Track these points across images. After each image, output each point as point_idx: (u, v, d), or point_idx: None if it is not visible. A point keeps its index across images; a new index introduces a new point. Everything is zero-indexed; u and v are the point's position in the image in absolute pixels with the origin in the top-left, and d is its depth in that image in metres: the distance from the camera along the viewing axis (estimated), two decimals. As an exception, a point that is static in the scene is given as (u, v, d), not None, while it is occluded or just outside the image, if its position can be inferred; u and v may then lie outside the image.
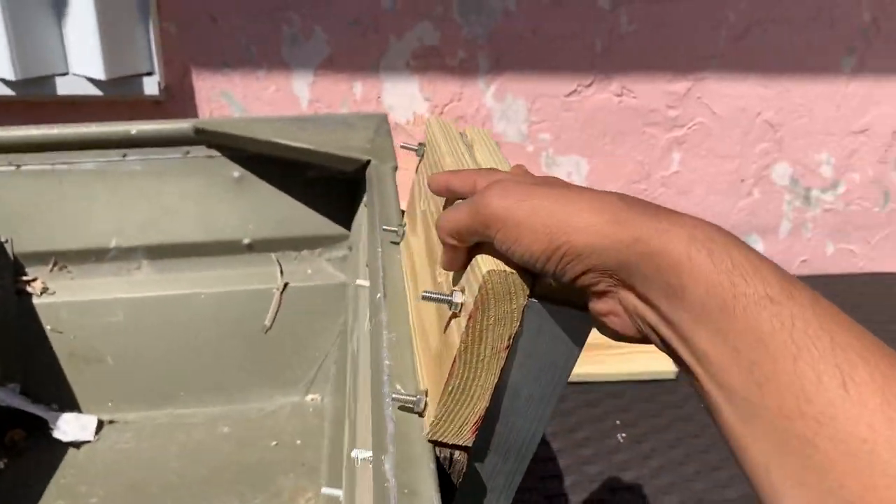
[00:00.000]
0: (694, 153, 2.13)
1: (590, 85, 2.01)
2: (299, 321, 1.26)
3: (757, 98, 2.08)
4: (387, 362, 0.58)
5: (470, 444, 0.51)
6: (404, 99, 1.98)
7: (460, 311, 0.47)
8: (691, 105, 2.07)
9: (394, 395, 0.53)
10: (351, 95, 1.94)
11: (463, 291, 0.47)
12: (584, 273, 0.39)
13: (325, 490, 0.83)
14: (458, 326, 0.47)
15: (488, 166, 0.62)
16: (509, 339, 0.46)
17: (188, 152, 1.21)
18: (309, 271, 1.27)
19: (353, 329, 1.00)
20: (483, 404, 0.49)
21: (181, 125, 1.19)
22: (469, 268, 0.47)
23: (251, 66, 1.88)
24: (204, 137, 1.20)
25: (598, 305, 0.42)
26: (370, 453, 0.55)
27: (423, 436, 0.50)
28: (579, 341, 0.48)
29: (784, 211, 2.25)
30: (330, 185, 1.24)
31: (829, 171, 2.21)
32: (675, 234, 0.35)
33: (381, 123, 1.19)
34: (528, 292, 0.44)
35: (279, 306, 1.25)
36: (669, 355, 0.38)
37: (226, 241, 1.24)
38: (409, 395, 0.52)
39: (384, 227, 0.79)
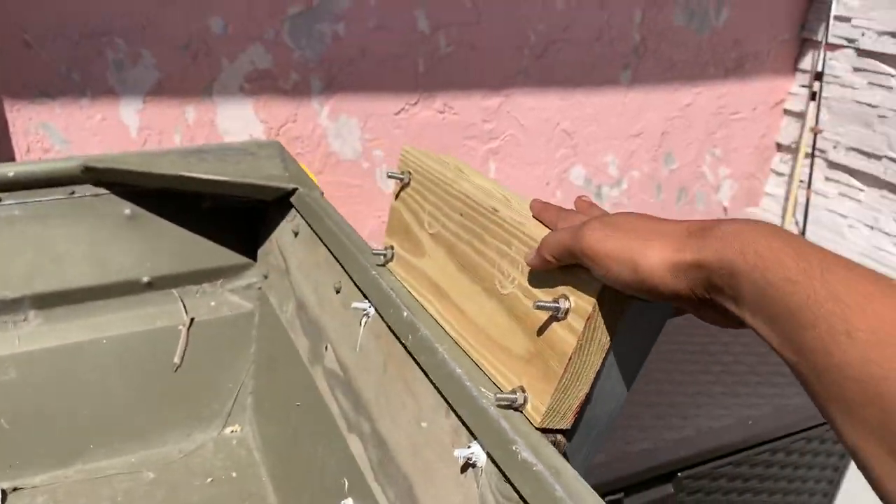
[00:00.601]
0: (507, 162, 2.35)
1: (416, 103, 2.14)
2: (209, 355, 1.24)
3: (556, 110, 2.35)
4: (458, 370, 0.66)
5: (570, 427, 0.61)
6: (239, 122, 1.97)
7: (566, 315, 0.57)
8: (504, 118, 2.28)
9: (498, 396, 0.61)
10: (183, 121, 1.89)
11: (566, 298, 0.57)
12: (673, 292, 0.49)
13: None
14: (566, 328, 0.57)
15: (484, 187, 0.72)
16: (613, 333, 0.57)
17: (73, 192, 1.15)
18: (213, 304, 1.26)
19: (317, 353, 1.03)
20: (585, 390, 0.59)
21: (66, 164, 1.13)
22: (571, 275, 0.57)
23: (73, 94, 1.77)
24: (91, 175, 1.14)
25: (693, 312, 0.53)
26: (471, 451, 0.62)
27: (536, 425, 0.59)
28: (659, 328, 0.60)
29: (582, 207, 2.55)
30: (226, 216, 1.24)
31: (614, 170, 2.55)
32: (722, 251, 0.43)
33: (281, 151, 1.22)
34: (629, 296, 0.55)
35: (187, 343, 1.23)
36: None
37: (123, 282, 1.19)
38: (511, 395, 0.61)
39: (374, 251, 0.85)
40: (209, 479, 1.16)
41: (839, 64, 2.52)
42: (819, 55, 2.55)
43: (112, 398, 1.18)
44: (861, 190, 2.46)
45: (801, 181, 2.56)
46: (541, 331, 0.60)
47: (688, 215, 2.76)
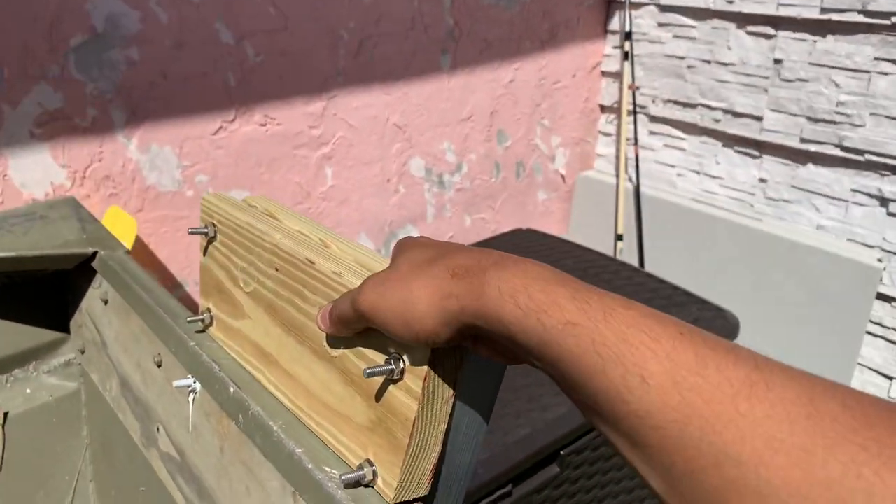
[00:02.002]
0: (342, 165, 2.27)
1: (233, 120, 2.02)
2: (34, 449, 1.10)
3: (383, 105, 2.29)
4: (298, 450, 0.58)
5: (427, 493, 0.55)
6: (36, 172, 1.77)
7: (401, 375, 0.51)
8: (330, 122, 2.19)
9: (343, 476, 0.54)
10: (-32, 180, 1.67)
11: (399, 358, 0.51)
12: (448, 340, 0.46)
13: None
14: (404, 390, 0.51)
15: (301, 231, 0.65)
16: (455, 387, 0.51)
17: None
18: (28, 391, 1.11)
19: (149, 435, 0.92)
20: (437, 452, 0.54)
21: None
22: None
23: None
24: None
25: (478, 352, 0.49)
26: (324, 540, 0.55)
27: (390, 502, 0.53)
28: (502, 367, 0.55)
29: (426, 198, 2.52)
30: (26, 290, 1.09)
31: (452, 156, 2.53)
32: (488, 295, 0.40)
33: (76, 209, 1.08)
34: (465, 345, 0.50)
35: (4, 443, 1.07)
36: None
37: None
38: (358, 473, 0.54)
39: (189, 318, 0.76)
40: (56, 592, 1.02)
41: (644, 21, 2.61)
42: (625, 15, 2.63)
43: (-79, 526, 1.01)
44: (683, 139, 2.57)
45: (628, 138, 2.64)
46: (378, 395, 0.54)
47: (528, 188, 2.80)
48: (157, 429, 0.85)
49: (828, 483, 0.27)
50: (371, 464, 0.55)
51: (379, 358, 0.53)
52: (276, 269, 0.65)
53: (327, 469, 0.57)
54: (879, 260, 2.13)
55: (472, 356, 0.51)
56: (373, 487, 0.55)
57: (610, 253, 2.54)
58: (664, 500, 0.34)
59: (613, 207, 2.68)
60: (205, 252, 0.76)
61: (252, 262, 0.68)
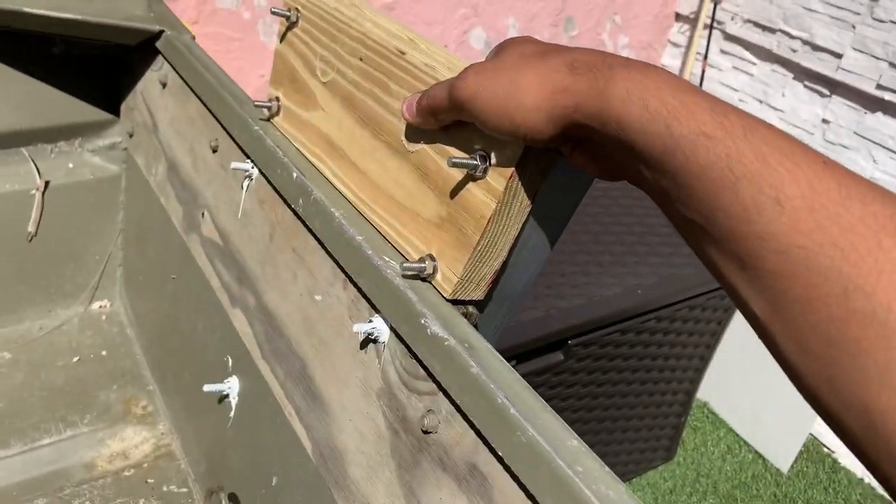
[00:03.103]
0: (404, 20, 2.20)
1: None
2: (69, 224, 1.11)
3: (456, -35, 2.20)
4: (358, 237, 0.58)
5: (482, 298, 0.54)
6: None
7: (484, 174, 0.49)
8: (400, -29, 2.11)
9: (404, 265, 0.53)
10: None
11: (486, 155, 0.49)
12: (549, 139, 0.44)
13: (209, 387, 0.78)
14: (484, 188, 0.50)
15: (389, 31, 0.62)
16: (535, 195, 0.50)
17: None
18: (71, 166, 1.10)
19: (192, 220, 0.92)
20: (502, 259, 0.53)
21: None
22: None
23: None
24: None
25: (573, 159, 0.47)
26: (372, 325, 0.55)
27: (446, 297, 0.53)
28: (584, 188, 0.54)
29: (479, 74, 2.45)
30: (82, 64, 1.07)
31: (514, 33, 2.44)
32: (612, 94, 0.38)
33: (145, -12, 1.04)
34: (556, 151, 0.48)
35: (42, 209, 1.08)
36: (647, 193, 0.42)
37: (-42, 137, 1.02)
38: (419, 264, 0.53)
39: (256, 102, 0.74)
40: (76, 359, 1.05)
41: (742, -69, 2.46)
42: (724, -80, 2.48)
43: (-46, 271, 1.03)
44: (753, 63, 2.47)
45: (699, 53, 2.54)
46: (454, 192, 0.52)
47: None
48: (203, 214, 0.84)
49: None
50: (433, 259, 0.54)
51: (462, 154, 0.51)
52: (361, 59, 0.62)
53: (386, 258, 0.56)
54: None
55: (562, 166, 0.49)
56: (430, 283, 0.54)
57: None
58: (765, 325, 0.33)
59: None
60: (282, 38, 0.73)
61: (334, 51, 0.66)
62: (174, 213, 0.92)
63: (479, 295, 0.54)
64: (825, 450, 2.18)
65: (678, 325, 1.85)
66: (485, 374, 0.46)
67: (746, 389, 2.23)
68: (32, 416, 0.95)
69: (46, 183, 1.08)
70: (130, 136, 1.07)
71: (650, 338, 1.81)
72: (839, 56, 2.22)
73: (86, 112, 1.10)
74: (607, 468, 0.41)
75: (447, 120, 0.51)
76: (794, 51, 2.34)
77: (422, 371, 0.52)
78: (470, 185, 0.51)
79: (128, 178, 1.12)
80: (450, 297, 0.53)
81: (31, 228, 1.07)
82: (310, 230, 0.65)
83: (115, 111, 1.11)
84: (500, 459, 0.45)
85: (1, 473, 0.88)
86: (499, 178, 0.49)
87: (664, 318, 1.78)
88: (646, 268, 1.74)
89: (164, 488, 0.89)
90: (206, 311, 0.87)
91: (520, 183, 0.48)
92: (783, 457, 2.14)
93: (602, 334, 1.65)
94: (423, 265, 0.54)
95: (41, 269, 1.10)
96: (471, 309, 0.54)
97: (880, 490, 2.05)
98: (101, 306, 1.15)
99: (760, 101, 2.46)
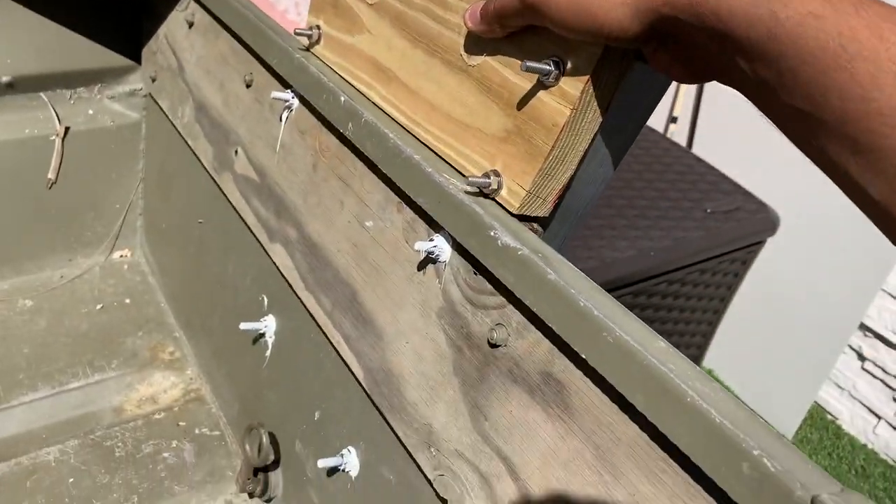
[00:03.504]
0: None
1: None
2: (89, 171, 1.09)
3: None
4: (416, 156, 0.56)
5: (547, 216, 0.53)
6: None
7: (557, 80, 0.48)
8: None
9: (470, 180, 0.52)
10: None
11: (559, 61, 0.48)
12: (634, 37, 0.42)
13: (246, 325, 0.76)
14: (557, 95, 0.48)
15: None
16: (610, 101, 0.49)
17: None
18: (91, 112, 1.08)
19: (224, 159, 0.90)
20: (571, 172, 0.51)
21: None
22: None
23: None
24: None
25: (655, 61, 0.45)
26: (433, 244, 0.54)
27: (512, 212, 0.52)
28: (655, 101, 0.52)
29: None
30: (102, 7, 1.05)
31: None
32: None
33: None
34: (633, 57, 0.47)
35: (62, 156, 1.06)
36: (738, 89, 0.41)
37: (-24, 80, 0.99)
38: (483, 179, 0.52)
39: (297, 30, 0.72)
40: (99, 306, 1.04)
41: None
42: None
43: (-26, 217, 1.01)
44: None
45: (706, 20, 2.52)
46: (523, 103, 0.51)
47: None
48: (236, 152, 0.83)
49: None
50: (497, 174, 0.53)
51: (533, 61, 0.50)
52: (413, -22, 0.61)
53: (446, 176, 0.55)
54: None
55: (638, 70, 0.48)
56: (494, 200, 0.53)
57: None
58: (886, 207, 0.32)
59: (673, 88, 2.59)
60: (324, -36, 0.72)
61: (382, -27, 0.64)
62: (203, 153, 0.90)
63: (544, 211, 0.53)
64: (829, 416, 2.20)
65: (688, 289, 1.85)
66: (563, 281, 0.45)
67: (751, 357, 2.24)
68: (59, 361, 0.94)
69: (66, 129, 1.06)
70: (153, 80, 1.05)
71: (661, 301, 1.80)
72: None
73: (106, 57, 1.07)
74: (699, 368, 0.41)
75: (516, 25, 0.49)
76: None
77: (489, 285, 0.51)
78: (541, 93, 0.50)
79: (148, 125, 1.10)
80: (516, 212, 0.52)
81: (51, 175, 1.05)
82: (359, 156, 0.64)
83: (136, 58, 1.09)
84: (581, 364, 0.44)
85: (31, 416, 0.86)
86: (574, 84, 0.47)
87: (675, 280, 1.78)
88: (658, 231, 1.73)
89: (196, 431, 0.88)
90: (238, 251, 0.86)
91: (596, 89, 0.47)
92: (788, 424, 2.15)
93: (615, 296, 1.65)
94: (487, 180, 0.52)
95: (61, 216, 1.08)
96: (535, 226, 0.53)
97: (883, 455, 2.07)
98: (121, 255, 1.13)
99: None
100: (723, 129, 2.53)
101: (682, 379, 0.38)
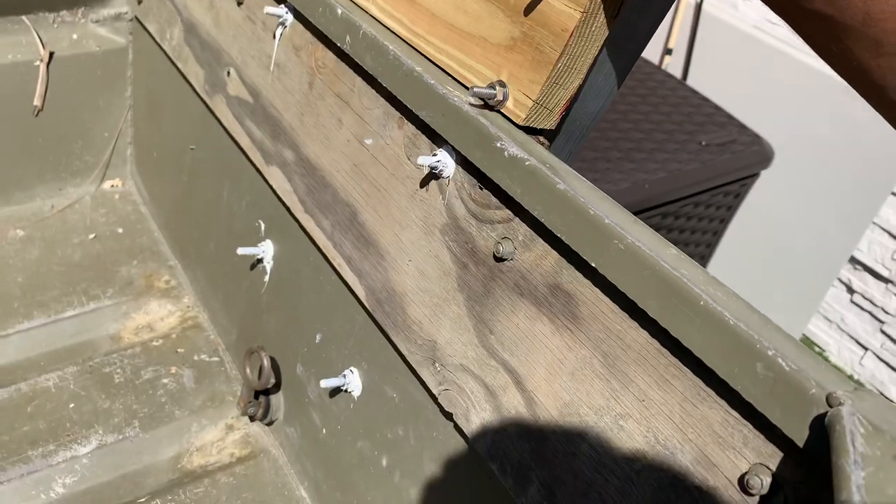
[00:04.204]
0: None
1: None
2: (76, 99, 1.06)
3: None
4: (417, 68, 0.55)
5: (553, 128, 0.52)
6: None
7: (565, -18, 0.47)
8: None
9: (475, 89, 0.51)
10: None
11: (568, -38, 0.46)
12: None
13: (243, 250, 0.75)
14: None
15: None
16: (620, 7, 0.47)
17: None
18: (75, 37, 1.05)
19: (215, 81, 0.88)
20: (579, 81, 0.50)
21: None
22: None
23: None
24: None
25: None
26: (437, 158, 0.53)
27: (519, 122, 0.50)
28: (662, 12, 0.51)
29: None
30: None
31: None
32: None
33: None
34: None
35: (47, 83, 1.03)
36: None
37: (-46, 1, 0.96)
38: (488, 90, 0.51)
39: (288, -56, 0.69)
40: (91, 236, 1.02)
41: None
42: None
43: (-41, 145, 0.99)
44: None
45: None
46: (530, 8, 0.49)
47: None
48: (228, 73, 0.81)
49: None
50: (503, 85, 0.51)
51: (539, -34, 0.48)
52: None
53: (449, 88, 0.53)
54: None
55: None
56: (500, 112, 0.52)
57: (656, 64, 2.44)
58: None
59: (669, 19, 2.54)
60: None
61: None
62: (194, 76, 0.88)
63: (551, 123, 0.52)
64: (817, 348, 2.23)
65: (682, 221, 1.85)
66: (572, 190, 0.44)
67: (742, 291, 2.25)
68: (53, 290, 0.93)
69: (51, 54, 1.02)
70: (139, 2, 1.01)
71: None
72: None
73: (88, -21, 1.03)
74: (709, 273, 0.40)
75: None
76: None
77: (494, 199, 0.50)
78: (548, -4, 0.48)
79: (135, 50, 1.07)
80: (522, 123, 0.50)
81: (36, 102, 1.02)
82: (357, 71, 0.62)
83: (120, -22, 1.05)
84: (590, 273, 0.43)
85: (27, 344, 0.86)
86: (580, -14, 0.46)
87: (669, 213, 1.78)
88: (653, 164, 1.72)
89: (195, 357, 0.88)
90: (232, 176, 0.84)
91: (604, -7, 0.46)
92: (777, 354, 2.18)
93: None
94: (492, 91, 0.51)
95: (49, 145, 1.05)
96: (542, 139, 0.52)
97: (868, 385, 2.11)
98: (112, 185, 1.11)
99: (766, -1, 2.40)
100: (718, 61, 2.50)
101: (695, 283, 0.38)
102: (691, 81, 2.52)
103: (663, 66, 2.51)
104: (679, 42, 2.56)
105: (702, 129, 1.92)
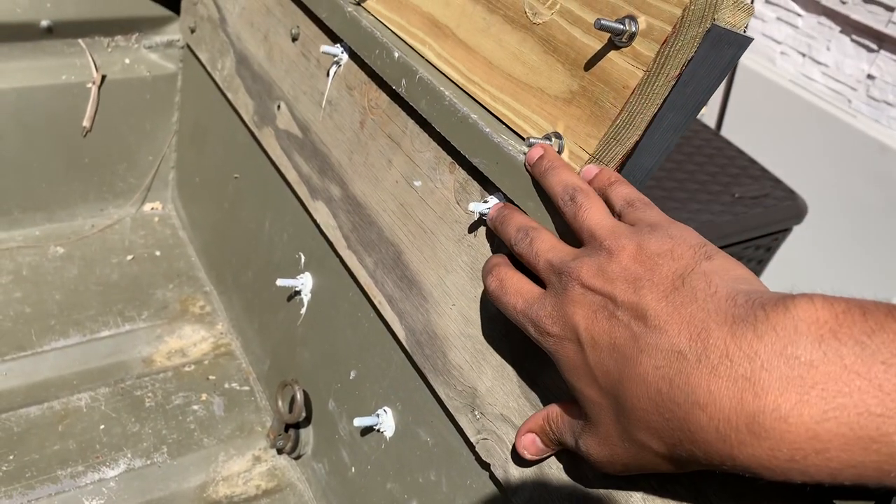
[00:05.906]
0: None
1: None
2: (124, 121, 1.08)
3: None
4: (473, 116, 0.55)
5: (609, 181, 0.52)
6: None
7: (629, 40, 0.47)
8: None
9: (531, 140, 0.51)
10: None
11: (633, 19, 0.47)
12: None
13: (283, 282, 0.76)
14: (629, 56, 0.47)
15: None
16: (684, 66, 0.47)
17: None
18: (127, 61, 1.07)
19: (265, 114, 0.89)
20: (636, 137, 0.50)
21: None
22: None
23: None
24: None
25: None
26: (488, 206, 0.53)
27: (574, 175, 0.50)
28: (728, 66, 0.51)
29: None
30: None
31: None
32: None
33: None
34: (713, 13, 0.45)
35: (98, 104, 1.05)
36: None
37: (16, 23, 0.98)
38: (543, 140, 0.51)
39: (349, -14, 0.71)
40: (130, 257, 1.03)
41: None
42: None
43: (7, 163, 1.01)
44: (799, 15, 2.41)
45: (743, 1, 2.47)
46: (591, 63, 0.50)
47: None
48: (278, 106, 0.82)
49: None
50: (559, 137, 0.52)
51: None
52: (475, -67, 0.59)
53: (504, 136, 0.53)
54: (965, 185, 2.04)
55: (712, 35, 0.46)
56: (554, 161, 0.52)
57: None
58: None
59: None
60: (379, -82, 0.70)
61: (442, -73, 0.62)
62: (243, 107, 0.89)
63: (606, 177, 0.52)
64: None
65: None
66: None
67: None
68: (90, 309, 0.94)
69: (103, 77, 1.05)
70: (192, 31, 1.03)
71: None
72: (892, 9, 2.16)
73: (145, 6, 1.06)
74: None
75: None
76: (844, 2, 2.28)
77: (545, 249, 0.50)
78: (611, 53, 0.48)
79: (185, 77, 1.09)
80: (579, 178, 0.50)
81: (86, 123, 1.05)
82: (411, 114, 0.63)
83: (175, 8, 1.08)
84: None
85: (62, 361, 0.87)
86: (649, 44, 0.46)
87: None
88: (685, 214, 1.71)
89: (226, 385, 0.88)
90: (276, 207, 0.85)
91: (671, 50, 0.46)
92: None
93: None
94: (548, 142, 0.51)
95: (94, 166, 1.07)
96: (595, 191, 0.52)
97: None
98: (152, 208, 1.12)
99: (804, 55, 2.41)
100: (754, 114, 2.50)
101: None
102: (726, 133, 2.52)
103: (698, 117, 2.51)
104: (715, 93, 2.56)
105: (735, 181, 1.91)
